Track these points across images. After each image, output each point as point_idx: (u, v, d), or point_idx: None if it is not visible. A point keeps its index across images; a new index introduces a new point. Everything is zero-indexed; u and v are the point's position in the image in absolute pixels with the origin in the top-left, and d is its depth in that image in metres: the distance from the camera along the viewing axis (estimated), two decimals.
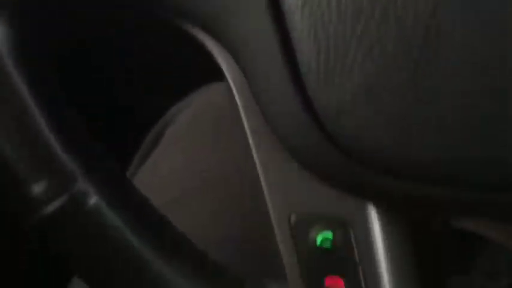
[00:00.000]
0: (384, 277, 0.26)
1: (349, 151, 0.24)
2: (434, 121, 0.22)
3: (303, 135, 0.24)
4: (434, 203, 0.25)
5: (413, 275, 0.28)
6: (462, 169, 0.23)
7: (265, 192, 0.27)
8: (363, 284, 0.26)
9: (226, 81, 0.27)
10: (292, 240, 0.27)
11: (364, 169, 0.24)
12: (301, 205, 0.26)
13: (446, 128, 0.22)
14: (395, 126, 0.23)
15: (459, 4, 0.22)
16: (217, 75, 0.28)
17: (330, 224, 0.26)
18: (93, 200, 0.27)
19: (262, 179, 0.27)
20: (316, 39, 0.23)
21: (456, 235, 0.40)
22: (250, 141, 0.27)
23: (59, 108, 0.28)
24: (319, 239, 0.26)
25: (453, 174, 0.23)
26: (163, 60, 0.68)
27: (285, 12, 0.23)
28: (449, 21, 0.22)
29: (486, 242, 0.40)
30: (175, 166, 0.45)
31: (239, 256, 0.34)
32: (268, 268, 0.30)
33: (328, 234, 0.26)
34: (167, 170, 0.45)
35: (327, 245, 0.26)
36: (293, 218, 0.27)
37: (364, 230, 0.26)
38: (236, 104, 0.27)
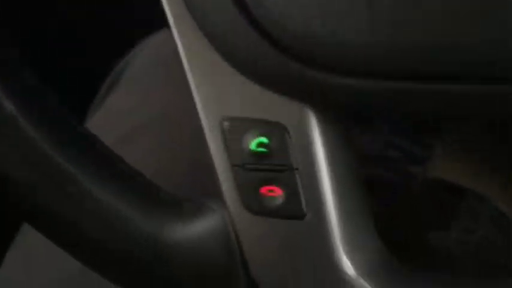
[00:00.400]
0: (323, 184, 0.25)
1: (276, 40, 0.22)
2: (371, 6, 0.21)
3: (227, 22, 0.22)
4: (370, 99, 0.23)
5: (355, 182, 0.26)
6: (404, 58, 0.21)
7: (196, 99, 0.25)
8: (300, 191, 0.25)
9: None
10: (226, 147, 0.25)
11: (292, 61, 0.22)
12: (234, 110, 0.25)
13: (382, 11, 0.21)
14: (326, 9, 0.21)
15: None
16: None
17: (266, 129, 0.24)
18: (7, 110, 0.25)
19: (192, 85, 0.25)
20: None
21: (437, 190, 0.39)
22: (180, 46, 0.25)
23: None
24: (253, 145, 0.25)
25: (393, 64, 0.22)
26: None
27: None
28: None
29: (468, 196, 0.39)
30: (128, 106, 0.43)
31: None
32: None
33: (264, 139, 0.24)
34: (119, 110, 0.43)
35: (262, 150, 0.24)
36: (226, 124, 0.25)
37: (301, 135, 0.24)
38: None
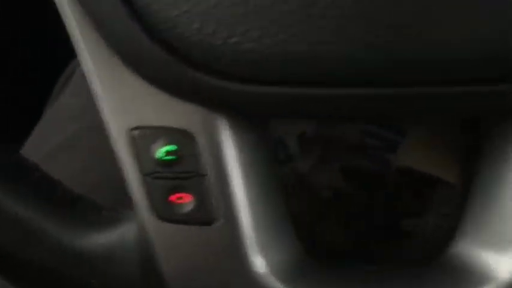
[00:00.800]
0: (234, 188, 0.25)
1: (172, 47, 0.22)
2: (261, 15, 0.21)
3: (123, 29, 0.22)
4: (268, 104, 0.23)
5: (271, 184, 0.26)
6: (291, 64, 0.21)
7: (103, 109, 0.25)
8: (210, 197, 0.25)
9: None
10: (135, 157, 0.25)
11: (189, 68, 0.22)
12: (142, 119, 0.25)
13: (270, 20, 0.21)
14: (216, 18, 0.21)
15: None
16: None
17: (174, 136, 0.24)
18: None
19: (97, 94, 0.25)
20: None
21: (413, 179, 0.39)
22: (84, 55, 0.25)
23: None
24: (162, 153, 0.25)
25: (282, 71, 0.22)
26: None
27: None
28: None
29: (443, 184, 0.39)
30: (70, 110, 0.43)
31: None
32: None
33: (172, 147, 0.24)
34: (61, 115, 0.43)
35: (171, 157, 0.24)
36: (134, 133, 0.25)
37: (210, 141, 0.24)
38: None
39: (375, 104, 0.22)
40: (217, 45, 0.21)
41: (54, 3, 0.24)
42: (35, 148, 0.35)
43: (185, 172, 0.25)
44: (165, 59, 0.22)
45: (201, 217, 0.25)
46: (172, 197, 0.25)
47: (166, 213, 0.25)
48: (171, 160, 0.25)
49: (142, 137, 0.25)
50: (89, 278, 0.26)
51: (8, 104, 0.56)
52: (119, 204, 0.28)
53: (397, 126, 0.39)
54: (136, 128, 0.25)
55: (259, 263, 0.25)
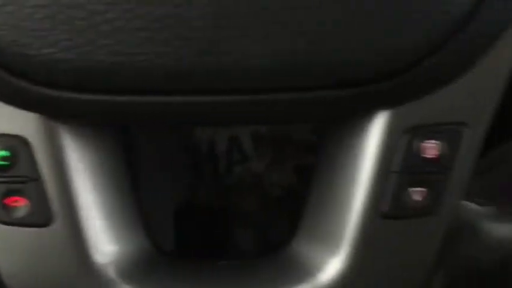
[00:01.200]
0: (73, 191, 0.25)
1: None
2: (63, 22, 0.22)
3: None
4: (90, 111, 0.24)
5: (119, 185, 0.27)
6: (100, 74, 0.22)
7: None
8: (47, 200, 0.26)
9: None
10: None
11: (11, 76, 0.23)
12: None
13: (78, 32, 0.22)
14: (28, 30, 0.22)
15: None
16: None
17: (7, 142, 0.25)
18: None
19: None
20: None
21: None
22: None
23: None
24: None
25: (93, 80, 0.23)
26: None
27: None
28: None
29: None
30: None
31: None
32: None
33: (5, 153, 0.25)
34: None
35: (4, 163, 0.25)
36: None
37: (45, 146, 0.25)
38: None
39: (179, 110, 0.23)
40: (32, 56, 0.22)
41: None
42: None
43: (20, 177, 0.25)
44: None
45: (37, 219, 0.26)
46: (8, 201, 0.26)
47: (2, 216, 0.26)
48: (4, 165, 0.25)
49: None
50: None
51: None
52: None
53: None
54: None
55: (99, 257, 0.26)
